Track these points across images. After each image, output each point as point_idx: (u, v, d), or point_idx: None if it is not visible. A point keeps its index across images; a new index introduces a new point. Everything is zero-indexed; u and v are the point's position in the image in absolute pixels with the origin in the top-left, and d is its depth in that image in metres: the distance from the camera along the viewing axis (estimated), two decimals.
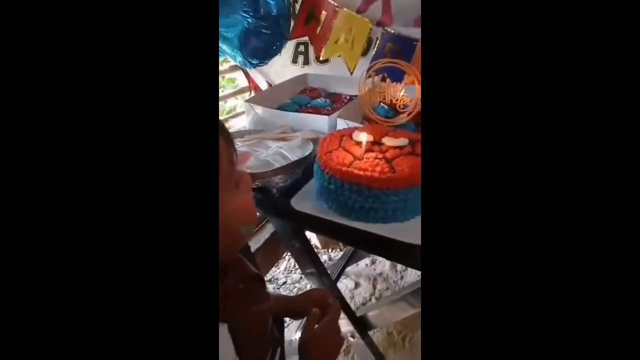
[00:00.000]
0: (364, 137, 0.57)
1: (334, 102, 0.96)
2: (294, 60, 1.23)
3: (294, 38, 1.07)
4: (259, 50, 0.92)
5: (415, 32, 0.92)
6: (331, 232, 0.59)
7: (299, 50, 1.22)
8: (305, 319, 0.45)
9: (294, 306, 0.48)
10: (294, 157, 0.68)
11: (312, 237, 1.52)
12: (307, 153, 0.69)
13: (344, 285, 1.37)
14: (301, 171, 0.67)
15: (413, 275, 1.40)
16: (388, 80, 0.63)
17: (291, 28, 1.04)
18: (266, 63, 1.03)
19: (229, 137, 0.32)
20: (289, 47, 1.22)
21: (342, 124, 0.75)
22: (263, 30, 0.90)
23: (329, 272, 1.26)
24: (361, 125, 0.67)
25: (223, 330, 0.32)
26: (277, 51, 0.97)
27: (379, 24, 0.98)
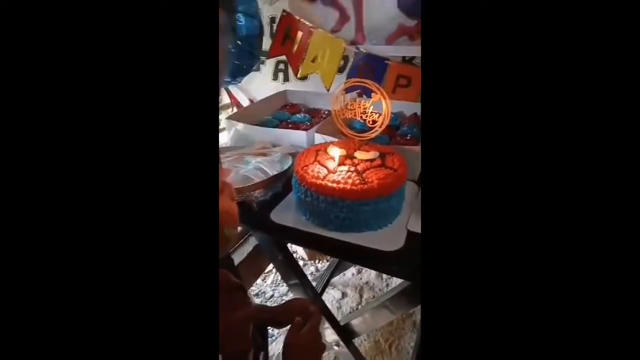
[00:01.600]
0: (336, 151, 0.61)
1: (313, 117, 1.00)
2: (275, 77, 1.27)
3: (272, 57, 1.12)
4: (230, 70, 0.96)
5: (387, 50, 0.98)
6: (310, 243, 0.61)
7: (278, 68, 1.27)
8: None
9: (276, 315, 0.50)
10: (273, 171, 0.70)
11: (299, 249, 1.53)
12: (286, 167, 0.72)
13: (331, 295, 1.38)
14: (281, 185, 0.69)
15: (399, 282, 1.43)
16: (364, 96, 0.67)
17: (270, 47, 1.08)
18: (239, 81, 1.07)
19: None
20: (269, 65, 1.27)
21: (319, 139, 0.79)
22: (232, 50, 0.94)
23: (315, 283, 1.28)
24: (336, 140, 0.71)
25: None
26: (247, 70, 1.01)
27: (352, 43, 1.03)
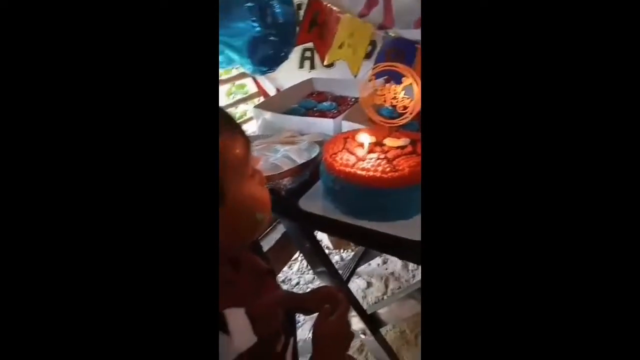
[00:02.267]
0: (366, 138, 0.59)
1: (339, 105, 0.99)
2: (301, 66, 1.26)
3: (299, 44, 1.11)
4: (268, 58, 0.96)
5: (416, 34, 0.94)
6: (338, 231, 0.61)
7: (305, 55, 1.25)
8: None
9: (305, 302, 0.50)
10: (301, 160, 0.70)
11: (324, 238, 1.54)
12: (313, 155, 0.72)
13: (356, 284, 1.38)
14: (309, 173, 0.69)
15: None
16: (392, 82, 0.65)
17: (296, 34, 1.07)
18: (275, 70, 1.07)
19: (242, 130, 0.35)
20: (296, 53, 1.26)
21: (347, 126, 0.78)
22: (271, 38, 0.93)
23: (340, 271, 1.29)
24: (364, 127, 0.69)
25: (240, 313, 0.35)
26: (285, 58, 1.01)
27: (380, 27, 1.00)
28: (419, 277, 1.40)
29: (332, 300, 0.47)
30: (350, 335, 0.47)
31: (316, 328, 0.44)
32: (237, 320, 0.34)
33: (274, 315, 0.42)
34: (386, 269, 1.46)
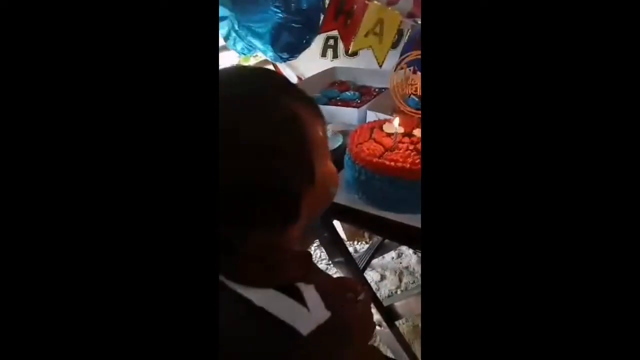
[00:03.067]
0: (395, 128, 0.58)
1: (362, 95, 0.97)
2: (323, 54, 1.24)
3: (324, 32, 1.08)
4: (290, 45, 0.94)
5: None
6: (361, 223, 0.60)
7: (328, 44, 1.23)
8: None
9: (330, 285, 0.51)
10: None
11: (338, 228, 1.54)
12: (337, 145, 0.71)
13: (370, 277, 1.38)
14: (332, 162, 0.68)
15: None
16: (419, 72, 0.63)
17: (321, 22, 1.05)
18: (296, 57, 1.05)
19: (321, 112, 0.37)
20: (318, 41, 1.23)
21: (371, 116, 0.76)
22: (294, 25, 0.92)
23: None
24: (391, 118, 0.68)
25: (312, 289, 0.36)
26: (307, 45, 0.99)
27: (409, 15, 0.96)
28: None
29: (354, 291, 0.48)
30: (373, 325, 0.48)
31: (345, 313, 0.44)
32: (311, 295, 0.36)
33: (337, 292, 0.44)
34: (400, 262, 1.45)
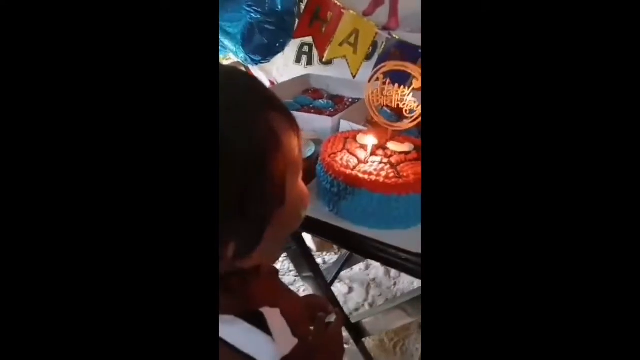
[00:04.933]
0: (370, 140, 0.56)
1: (336, 104, 0.95)
2: (297, 60, 1.21)
3: (298, 37, 1.06)
4: (262, 47, 0.91)
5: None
6: (331, 236, 0.57)
7: (302, 50, 1.21)
8: None
9: (297, 309, 0.47)
10: None
11: (307, 239, 1.50)
12: (309, 154, 0.68)
13: (337, 289, 1.35)
14: (303, 172, 0.65)
15: (406, 281, 1.40)
16: (395, 85, 0.62)
17: (295, 27, 1.03)
18: (268, 60, 1.02)
19: (299, 130, 0.34)
20: (293, 47, 1.21)
21: (345, 126, 0.74)
22: (267, 27, 0.89)
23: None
24: (365, 129, 0.66)
25: (277, 314, 0.33)
26: (280, 49, 0.96)
27: (384, 28, 0.97)
28: (400, 284, 1.39)
29: (325, 311, 0.45)
30: (342, 349, 0.45)
31: (314, 338, 0.41)
32: (276, 321, 0.32)
33: (306, 314, 0.41)
34: (368, 274, 1.44)
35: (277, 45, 0.88)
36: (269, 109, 0.30)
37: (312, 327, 0.42)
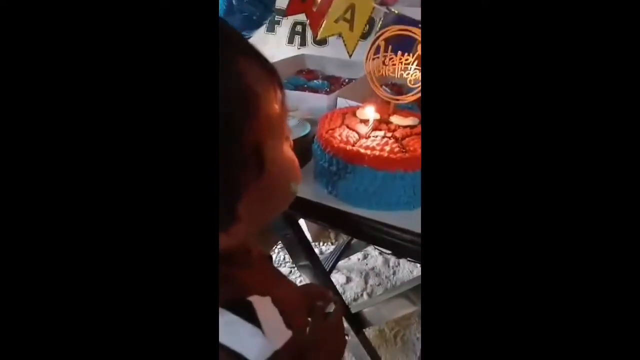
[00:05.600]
0: (371, 113, 0.51)
1: (332, 85, 0.90)
2: (290, 41, 1.15)
3: (290, 15, 1.00)
4: (240, 21, 0.85)
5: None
6: (331, 220, 0.53)
7: (295, 30, 1.15)
8: None
9: (292, 297, 0.43)
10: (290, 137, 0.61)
11: (304, 228, 1.46)
12: (304, 133, 0.63)
13: (335, 279, 1.32)
14: (298, 153, 0.60)
15: (405, 270, 1.37)
16: (399, 52, 0.57)
17: (287, 4, 0.97)
18: (247, 37, 0.96)
19: (280, 81, 0.29)
20: (285, 27, 1.15)
21: (343, 104, 0.69)
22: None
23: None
24: (364, 105, 0.61)
25: (267, 303, 0.29)
26: (258, 23, 0.90)
27: (382, 3, 0.91)
28: (399, 273, 1.37)
29: (324, 299, 0.41)
30: (343, 342, 0.41)
31: (314, 327, 0.37)
32: (267, 311, 0.28)
33: (302, 304, 0.37)
34: (366, 264, 1.40)
35: (255, 18, 0.81)
36: (241, 60, 0.25)
37: (309, 319, 0.38)
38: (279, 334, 0.28)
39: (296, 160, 0.33)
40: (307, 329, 0.36)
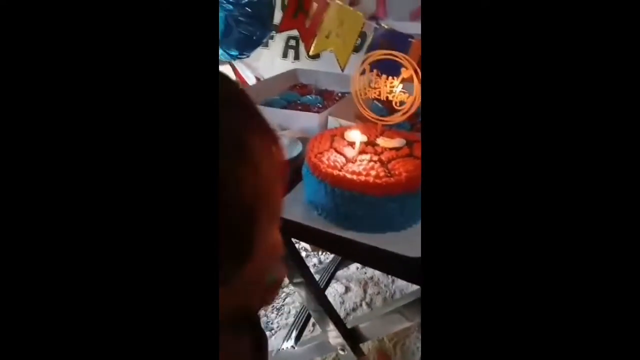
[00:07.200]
0: (357, 136, 0.52)
1: (325, 100, 0.91)
2: (284, 55, 1.17)
3: (282, 31, 1.01)
4: (239, 41, 0.86)
5: (411, 27, 0.88)
6: (320, 242, 0.53)
7: (289, 44, 1.17)
8: None
9: None
10: None
11: (297, 243, 1.47)
12: (295, 154, 0.64)
13: (334, 289, 1.32)
14: (289, 174, 0.61)
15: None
16: (383, 76, 0.58)
17: (280, 20, 0.98)
18: (246, 55, 0.97)
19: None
20: (279, 42, 1.17)
21: (333, 123, 0.70)
22: (242, 19, 0.84)
23: (318, 276, 1.21)
24: (354, 125, 0.62)
25: None
26: (257, 42, 0.91)
27: (372, 17, 0.93)
28: (398, 282, 1.36)
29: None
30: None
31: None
32: None
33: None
34: (365, 273, 1.40)
35: (254, 38, 0.83)
36: (251, 133, 0.22)
37: None
38: None
39: (282, 242, 0.27)
40: None
